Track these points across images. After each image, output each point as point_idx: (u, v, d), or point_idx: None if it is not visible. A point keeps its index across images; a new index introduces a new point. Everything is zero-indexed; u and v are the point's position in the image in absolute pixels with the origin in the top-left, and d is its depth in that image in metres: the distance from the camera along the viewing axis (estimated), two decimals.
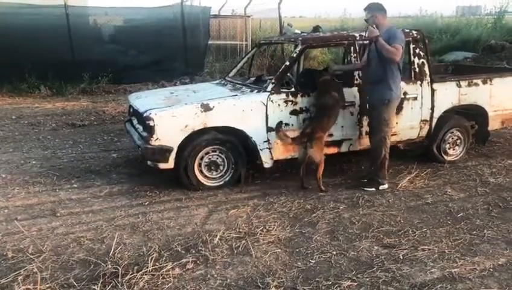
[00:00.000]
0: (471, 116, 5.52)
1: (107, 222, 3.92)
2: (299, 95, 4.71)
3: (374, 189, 4.64)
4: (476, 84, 5.32)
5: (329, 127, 4.61)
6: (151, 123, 4.31)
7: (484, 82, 5.35)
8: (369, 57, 4.67)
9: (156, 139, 4.33)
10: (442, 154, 5.40)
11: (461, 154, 5.51)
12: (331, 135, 4.75)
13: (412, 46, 5.06)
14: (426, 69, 5.07)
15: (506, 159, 5.54)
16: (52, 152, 6.03)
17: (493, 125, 5.58)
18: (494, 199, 4.36)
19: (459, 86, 5.24)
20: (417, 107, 5.05)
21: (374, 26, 4.46)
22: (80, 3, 13.25)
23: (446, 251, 3.38)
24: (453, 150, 5.46)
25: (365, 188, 4.64)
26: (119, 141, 6.63)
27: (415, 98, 5.02)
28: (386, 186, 4.67)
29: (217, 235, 3.62)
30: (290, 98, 4.67)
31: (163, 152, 4.37)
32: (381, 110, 4.55)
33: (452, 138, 5.42)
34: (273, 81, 4.73)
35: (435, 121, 5.18)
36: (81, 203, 4.35)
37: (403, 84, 4.85)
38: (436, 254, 3.34)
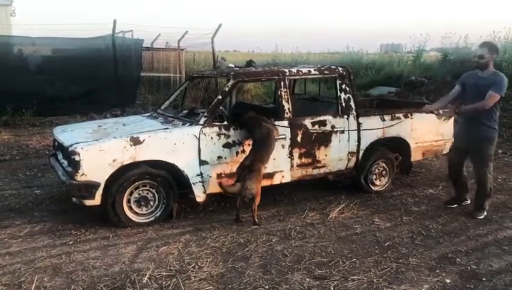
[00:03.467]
0: (395, 148, 5.81)
1: (26, 265, 3.65)
2: (231, 129, 4.73)
3: (482, 217, 4.86)
4: (399, 118, 5.63)
5: (268, 157, 4.63)
6: (77, 158, 4.13)
7: (405, 116, 5.67)
8: (467, 94, 4.80)
9: (82, 174, 4.15)
10: (370, 185, 5.62)
11: (387, 185, 5.76)
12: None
13: (338, 82, 5.30)
14: (352, 103, 5.31)
15: (427, 188, 5.86)
16: None
17: (415, 156, 5.88)
18: (417, 227, 4.57)
19: (383, 119, 5.52)
20: (345, 140, 5.25)
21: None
22: (4, 32, 12.65)
23: (374, 280, 3.47)
24: (379, 180, 5.70)
25: (476, 217, 4.84)
26: (43, 176, 6.26)
27: (343, 131, 5.21)
28: (485, 213, 4.91)
29: (146, 274, 3.48)
30: (223, 131, 4.68)
31: (89, 188, 4.18)
32: (486, 147, 4.73)
33: (378, 169, 5.66)
34: (205, 114, 4.72)
35: (361, 153, 5.39)
36: None
37: (330, 117, 5.09)
38: (365, 283, 3.42)
